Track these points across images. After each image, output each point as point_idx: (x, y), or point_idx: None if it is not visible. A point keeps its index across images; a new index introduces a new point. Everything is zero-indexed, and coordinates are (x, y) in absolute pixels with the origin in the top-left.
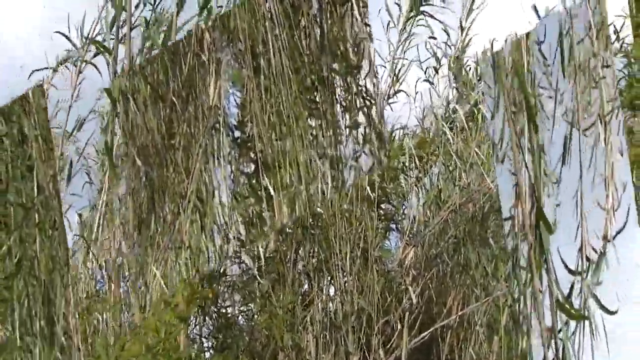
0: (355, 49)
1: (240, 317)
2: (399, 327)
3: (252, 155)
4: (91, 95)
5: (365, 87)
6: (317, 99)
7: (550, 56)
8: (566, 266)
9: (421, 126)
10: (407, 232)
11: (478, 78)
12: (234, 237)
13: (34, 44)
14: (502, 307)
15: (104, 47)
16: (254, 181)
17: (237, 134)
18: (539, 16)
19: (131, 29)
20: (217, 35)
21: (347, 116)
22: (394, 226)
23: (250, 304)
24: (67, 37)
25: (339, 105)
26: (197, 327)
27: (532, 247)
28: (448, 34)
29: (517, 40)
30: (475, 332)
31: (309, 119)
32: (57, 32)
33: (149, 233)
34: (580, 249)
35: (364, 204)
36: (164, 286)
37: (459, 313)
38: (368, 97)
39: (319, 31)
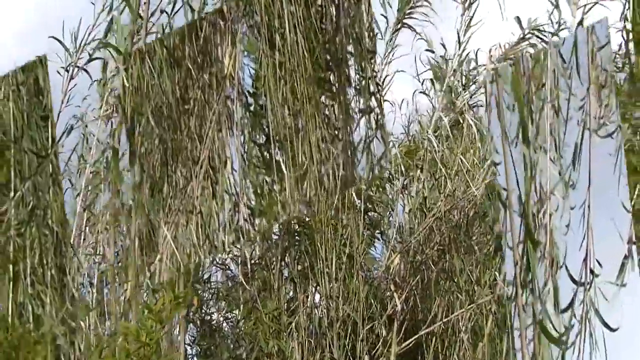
0: (370, 33)
1: (225, 324)
2: (384, 333)
3: (265, 127)
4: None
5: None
6: (331, 80)
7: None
8: (571, 276)
9: (407, 135)
10: (393, 240)
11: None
12: (245, 205)
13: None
14: (487, 314)
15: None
16: (265, 153)
17: (250, 103)
18: (522, 27)
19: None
20: (234, 6)
21: (361, 100)
22: (379, 234)
23: (235, 311)
24: (61, 42)
25: (352, 89)
26: (181, 334)
27: (517, 264)
28: (445, 47)
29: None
30: (459, 338)
31: (322, 98)
32: (51, 37)
33: (161, 196)
34: (585, 260)
35: (350, 212)
36: (175, 249)
37: (444, 320)
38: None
39: (334, 11)
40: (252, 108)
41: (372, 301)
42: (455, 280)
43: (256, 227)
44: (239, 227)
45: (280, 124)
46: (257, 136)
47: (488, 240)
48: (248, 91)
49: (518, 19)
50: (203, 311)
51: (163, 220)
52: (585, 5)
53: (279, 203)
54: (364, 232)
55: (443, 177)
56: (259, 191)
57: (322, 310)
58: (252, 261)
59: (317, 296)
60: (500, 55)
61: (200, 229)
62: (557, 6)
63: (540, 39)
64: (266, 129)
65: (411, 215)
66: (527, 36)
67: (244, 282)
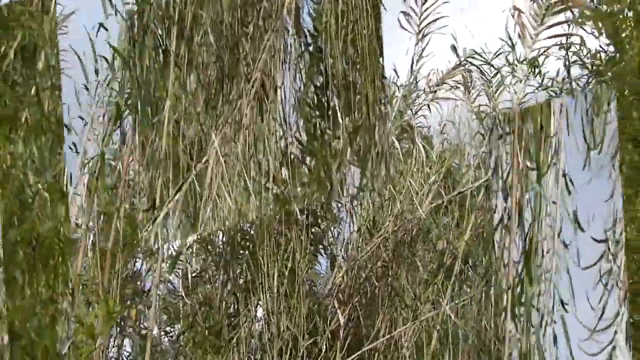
0: None
1: (164, 339)
2: (326, 349)
3: (323, 71)
4: None
5: None
6: None
7: None
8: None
9: None
10: (338, 257)
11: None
12: (292, 137)
13: None
14: (430, 330)
15: None
16: (322, 97)
17: (309, 42)
18: (458, 55)
19: None
20: None
21: None
22: (323, 249)
23: (175, 325)
24: None
25: None
26: (116, 349)
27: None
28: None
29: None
30: (402, 354)
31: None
32: None
33: (215, 113)
34: None
35: (292, 227)
36: (222, 163)
37: (387, 335)
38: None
39: None
40: (310, 48)
41: (316, 316)
42: (399, 296)
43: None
44: (289, 156)
45: (340, 73)
46: (315, 77)
47: (431, 257)
48: (308, 30)
49: (453, 47)
50: (141, 325)
51: (214, 130)
52: (539, 49)
53: (330, 147)
54: (307, 246)
55: (391, 198)
56: (311, 131)
57: (263, 325)
58: (194, 274)
59: (260, 311)
60: (438, 80)
61: (247, 147)
62: (512, 47)
63: (480, 69)
64: (323, 74)
65: (359, 234)
66: (463, 62)
67: (185, 296)
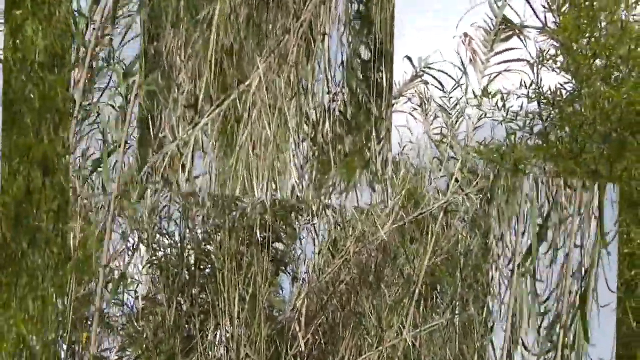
0: None
1: None
2: None
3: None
4: None
5: None
6: None
7: None
8: None
9: None
10: (300, 279)
11: None
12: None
13: None
14: (394, 357)
15: None
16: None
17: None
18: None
19: None
20: None
21: None
22: (284, 267)
23: (129, 348)
24: None
25: None
26: None
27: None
28: None
29: None
30: None
31: None
32: None
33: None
34: None
35: (252, 245)
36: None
37: None
38: None
39: None
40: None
41: (277, 341)
42: (364, 322)
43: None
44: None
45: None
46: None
47: (397, 283)
48: None
49: (408, 58)
50: (98, 348)
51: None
52: (490, 75)
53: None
54: (268, 267)
55: (353, 219)
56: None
57: (221, 352)
58: (150, 295)
59: (217, 335)
60: (395, 92)
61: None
62: (465, 72)
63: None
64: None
65: (320, 256)
66: (420, 73)
67: (139, 319)
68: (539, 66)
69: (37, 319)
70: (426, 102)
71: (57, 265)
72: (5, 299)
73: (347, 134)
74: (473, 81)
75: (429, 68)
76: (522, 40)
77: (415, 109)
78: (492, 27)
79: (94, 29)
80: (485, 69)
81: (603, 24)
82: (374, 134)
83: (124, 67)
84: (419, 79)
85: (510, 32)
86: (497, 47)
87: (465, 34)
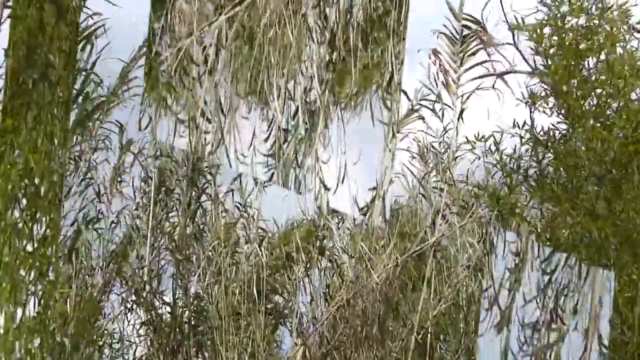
0: None
1: None
2: None
3: None
4: None
5: None
6: None
7: None
8: None
9: (307, 218)
10: (296, 330)
11: None
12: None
13: None
14: None
15: None
16: None
17: None
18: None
19: None
20: None
21: None
22: (282, 321)
23: None
24: None
25: None
26: None
27: None
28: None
29: None
30: None
31: None
32: None
33: None
34: None
35: (250, 300)
36: None
37: None
38: None
39: None
40: None
41: None
42: None
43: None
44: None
45: None
46: None
47: (401, 333)
48: None
49: (404, 92)
50: None
51: None
52: (462, 95)
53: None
54: (265, 321)
55: (345, 265)
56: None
57: None
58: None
59: None
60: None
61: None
62: (439, 95)
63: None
64: None
65: (313, 304)
66: (416, 107)
67: None
68: (532, 108)
69: (44, 153)
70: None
71: (67, 104)
72: (14, 126)
73: (366, 47)
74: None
75: (426, 100)
76: (487, 52)
77: (414, 157)
78: (456, 33)
79: None
80: (457, 87)
81: (591, 64)
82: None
83: None
84: (416, 114)
85: (477, 42)
86: (466, 61)
87: (434, 51)
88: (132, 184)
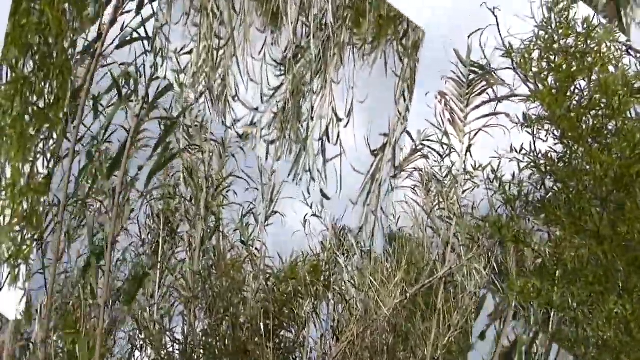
0: None
1: None
2: None
3: None
4: None
5: None
6: None
7: None
8: None
9: (314, 253)
10: None
11: None
12: None
13: None
14: None
15: None
16: None
17: None
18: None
19: None
20: None
21: None
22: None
23: None
24: None
25: None
26: None
27: None
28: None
29: None
30: None
31: None
32: None
33: None
34: None
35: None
36: None
37: None
38: None
39: None
40: None
41: None
42: None
43: None
44: None
45: None
46: None
47: None
48: None
49: (408, 133)
50: None
51: None
52: (470, 132)
53: None
54: (275, 358)
55: (354, 299)
56: None
57: None
58: None
59: None
60: (397, 170)
61: None
62: (445, 133)
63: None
64: None
65: (323, 340)
66: (419, 147)
67: None
68: (532, 131)
69: (61, 12)
70: (427, 179)
71: None
72: None
73: None
74: (455, 142)
75: (428, 140)
76: (494, 91)
77: (416, 186)
78: (463, 77)
79: None
80: (465, 125)
81: (583, 84)
82: None
83: None
84: (419, 154)
85: (484, 83)
86: (473, 101)
87: (441, 93)
88: (138, 221)
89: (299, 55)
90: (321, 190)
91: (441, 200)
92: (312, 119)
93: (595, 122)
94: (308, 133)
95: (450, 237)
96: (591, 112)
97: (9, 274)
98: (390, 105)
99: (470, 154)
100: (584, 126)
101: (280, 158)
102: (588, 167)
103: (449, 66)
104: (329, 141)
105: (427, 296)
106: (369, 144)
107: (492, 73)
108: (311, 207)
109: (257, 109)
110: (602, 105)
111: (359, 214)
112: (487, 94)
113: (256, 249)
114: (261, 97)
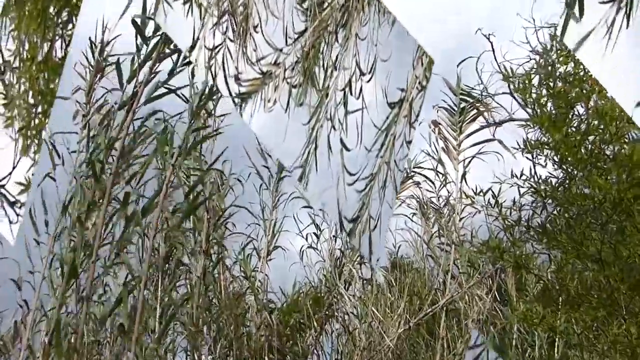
0: None
1: None
2: None
3: None
4: None
5: None
6: None
7: None
8: None
9: (312, 285)
10: None
11: None
12: None
13: None
14: None
15: None
16: None
17: None
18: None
19: None
20: None
21: None
22: None
23: None
24: None
25: None
26: None
27: None
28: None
29: None
30: None
31: None
32: None
33: None
34: None
35: None
36: None
37: None
38: None
39: None
40: None
41: None
42: None
43: None
44: None
45: None
46: None
47: None
48: None
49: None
50: None
51: None
52: (465, 160)
53: None
54: None
55: (357, 330)
56: None
57: None
58: None
59: None
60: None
61: None
62: (440, 161)
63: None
64: None
65: None
66: (411, 174)
67: None
68: (532, 157)
69: None
70: (424, 205)
71: None
72: None
73: None
74: (449, 169)
75: (420, 167)
76: (486, 118)
77: (414, 214)
78: (455, 106)
79: None
80: (459, 154)
81: (581, 111)
82: None
83: None
84: (411, 181)
85: (475, 111)
86: (466, 129)
87: (434, 122)
88: (138, 255)
89: (325, 3)
90: (341, 140)
91: (440, 228)
92: (335, 68)
93: (593, 148)
94: (331, 82)
95: (450, 265)
96: (589, 138)
97: (22, 144)
98: (409, 65)
99: (465, 181)
100: (582, 151)
101: (303, 103)
102: (587, 191)
103: (441, 95)
104: (351, 94)
105: (430, 325)
106: (386, 95)
107: (483, 100)
108: (306, 239)
109: (281, 50)
110: (600, 130)
111: (371, 164)
112: (484, 117)
113: (259, 281)
114: (285, 39)
